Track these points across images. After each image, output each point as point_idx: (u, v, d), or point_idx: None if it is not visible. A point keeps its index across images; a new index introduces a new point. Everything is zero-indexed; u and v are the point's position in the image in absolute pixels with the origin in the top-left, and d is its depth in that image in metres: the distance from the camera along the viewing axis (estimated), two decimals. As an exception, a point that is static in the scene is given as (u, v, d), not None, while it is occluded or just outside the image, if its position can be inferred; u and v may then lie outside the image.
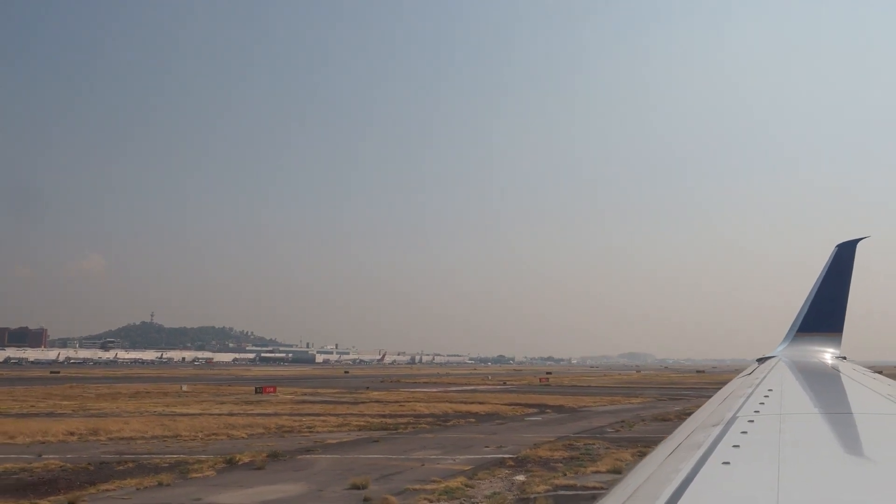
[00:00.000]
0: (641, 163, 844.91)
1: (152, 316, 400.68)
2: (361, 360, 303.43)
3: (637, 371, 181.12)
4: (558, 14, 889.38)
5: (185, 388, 67.74)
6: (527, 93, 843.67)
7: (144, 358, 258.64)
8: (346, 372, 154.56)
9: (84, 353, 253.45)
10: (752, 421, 3.07)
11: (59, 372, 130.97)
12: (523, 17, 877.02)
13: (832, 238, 9.20)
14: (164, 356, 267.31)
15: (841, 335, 8.45)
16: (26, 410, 40.46)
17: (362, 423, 32.18)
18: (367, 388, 72.26)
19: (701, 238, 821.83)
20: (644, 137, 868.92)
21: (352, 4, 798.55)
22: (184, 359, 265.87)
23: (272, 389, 62.51)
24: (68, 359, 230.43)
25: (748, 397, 4.00)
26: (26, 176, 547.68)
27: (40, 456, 22.37)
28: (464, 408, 41.36)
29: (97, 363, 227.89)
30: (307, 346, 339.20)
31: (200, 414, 36.77)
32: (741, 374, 6.65)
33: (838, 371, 6.15)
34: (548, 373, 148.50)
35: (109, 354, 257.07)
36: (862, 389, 4.83)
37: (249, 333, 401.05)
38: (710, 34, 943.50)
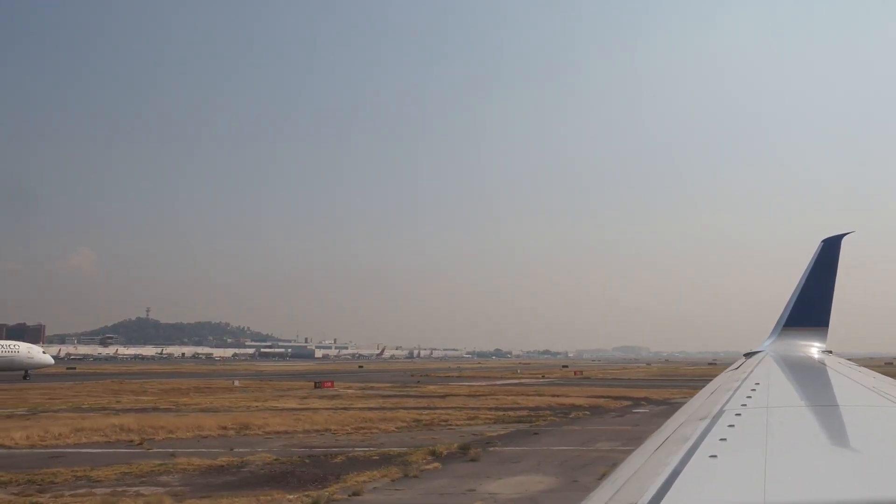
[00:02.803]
0: (633, 156, 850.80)
1: (148, 312, 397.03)
2: (360, 355, 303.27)
3: (647, 364, 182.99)
4: (550, 5, 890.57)
5: (237, 383, 67.72)
6: (519, 86, 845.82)
7: (144, 353, 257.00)
8: (361, 367, 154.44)
9: (84, 349, 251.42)
10: (740, 414, 3.10)
11: (74, 368, 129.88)
12: (514, 8, 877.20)
13: (818, 233, 9.19)
14: (164, 352, 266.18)
15: (827, 329, 8.43)
16: (122, 406, 40.38)
17: (491, 417, 32.53)
18: (418, 382, 72.66)
19: (693, 232, 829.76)
20: (636, 131, 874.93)
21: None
22: (183, 354, 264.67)
23: (330, 384, 62.84)
24: (69, 355, 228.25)
25: (735, 391, 4.03)
26: (16, 170, 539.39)
27: (232, 450, 22.58)
28: (564, 401, 41.85)
29: (97, 359, 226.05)
30: (306, 342, 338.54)
31: (317, 409, 36.92)
32: (729, 369, 6.75)
33: (824, 365, 6.21)
34: (564, 366, 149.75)
35: (109, 350, 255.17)
36: (848, 382, 4.86)
37: (246, 329, 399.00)
38: (700, 27, 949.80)
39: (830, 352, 7.82)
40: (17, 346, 75.41)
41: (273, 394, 52.39)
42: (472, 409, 36.79)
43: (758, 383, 4.37)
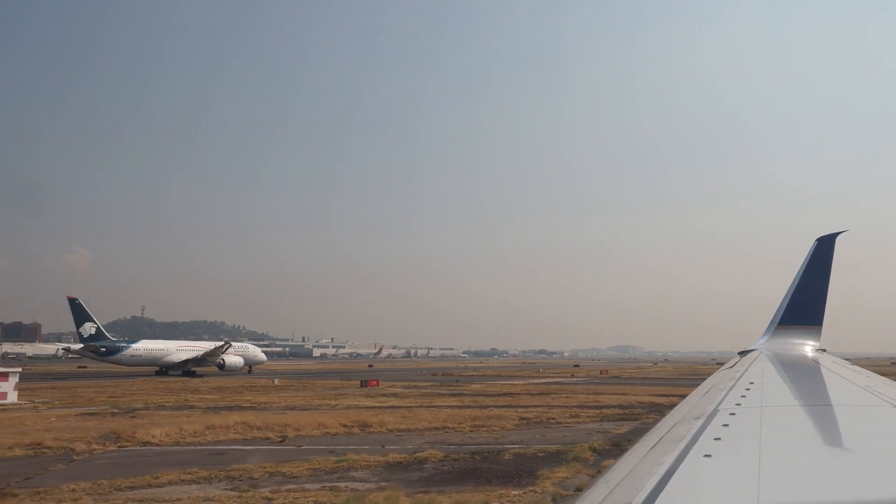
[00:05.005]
0: (628, 158, 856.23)
1: (143, 310, 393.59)
2: (358, 354, 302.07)
3: (654, 364, 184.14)
4: (545, 7, 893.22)
5: (276, 381, 67.54)
6: (515, 87, 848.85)
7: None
8: (370, 366, 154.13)
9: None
10: (734, 414, 3.12)
11: (86, 367, 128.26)
12: (510, 8, 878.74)
13: (812, 233, 9.31)
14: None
15: (821, 328, 8.57)
16: (202, 404, 40.20)
17: (593, 415, 32.91)
18: (457, 381, 72.86)
19: (687, 233, 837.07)
20: (630, 134, 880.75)
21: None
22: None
23: (376, 383, 62.96)
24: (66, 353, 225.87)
25: (730, 390, 4.07)
26: (12, 168, 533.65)
27: (383, 447, 22.72)
28: (640, 399, 42.32)
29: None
30: (303, 340, 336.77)
31: (409, 407, 37.05)
32: (723, 367, 6.85)
33: (818, 363, 6.28)
34: (575, 365, 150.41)
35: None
36: (841, 381, 4.92)
37: (241, 328, 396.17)
38: (694, 32, 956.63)
39: (824, 350, 7.95)
40: (247, 347, 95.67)
41: (330, 392, 52.27)
42: (562, 407, 37.07)
43: (752, 382, 4.42)
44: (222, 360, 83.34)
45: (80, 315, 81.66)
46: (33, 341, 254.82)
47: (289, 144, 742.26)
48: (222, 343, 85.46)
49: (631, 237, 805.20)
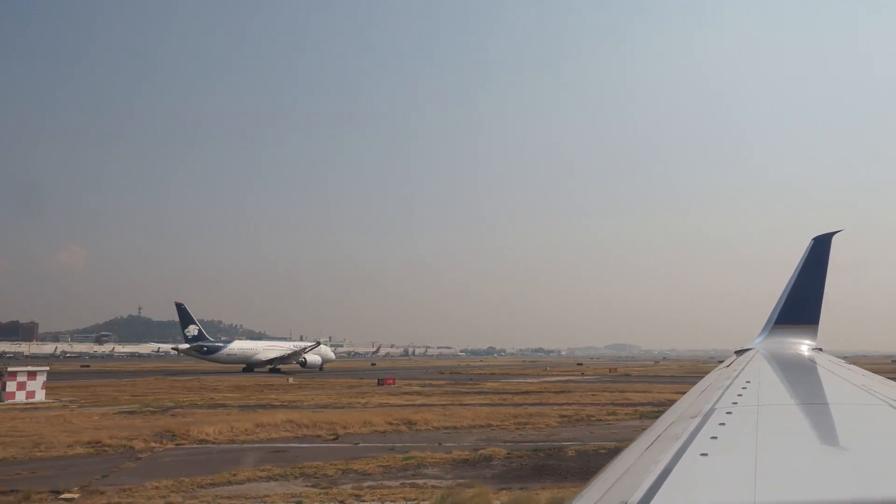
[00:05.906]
0: (628, 158, 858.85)
1: (139, 309, 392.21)
2: (356, 353, 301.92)
3: (655, 363, 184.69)
4: (544, 7, 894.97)
5: (291, 380, 67.51)
6: (513, 87, 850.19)
7: (141, 351, 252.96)
8: (373, 364, 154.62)
9: (79, 348, 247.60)
10: (730, 412, 3.12)
11: (88, 366, 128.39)
12: (509, 7, 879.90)
13: (808, 233, 9.29)
14: (161, 350, 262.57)
15: (817, 327, 8.54)
16: (234, 402, 40.17)
17: (629, 412, 33.13)
18: (470, 379, 73.01)
19: (684, 233, 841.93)
20: (628, 134, 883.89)
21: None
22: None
23: (392, 381, 62.97)
24: (63, 353, 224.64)
25: (726, 389, 4.07)
26: (8, 168, 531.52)
27: (440, 444, 22.78)
28: (668, 397, 42.32)
29: (94, 357, 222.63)
30: (301, 339, 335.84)
31: (445, 405, 37.11)
32: (720, 366, 6.86)
33: (814, 362, 6.26)
34: (579, 363, 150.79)
35: (105, 348, 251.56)
36: (838, 380, 4.94)
37: (238, 327, 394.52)
38: (691, 31, 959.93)
39: (821, 349, 7.97)
40: (320, 347, 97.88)
41: (350, 390, 52.26)
42: (594, 405, 37.29)
43: (748, 381, 4.43)
44: (304, 358, 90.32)
45: (185, 318, 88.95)
46: (30, 340, 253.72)
47: (288, 143, 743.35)
48: (313, 343, 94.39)
49: (629, 237, 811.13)
